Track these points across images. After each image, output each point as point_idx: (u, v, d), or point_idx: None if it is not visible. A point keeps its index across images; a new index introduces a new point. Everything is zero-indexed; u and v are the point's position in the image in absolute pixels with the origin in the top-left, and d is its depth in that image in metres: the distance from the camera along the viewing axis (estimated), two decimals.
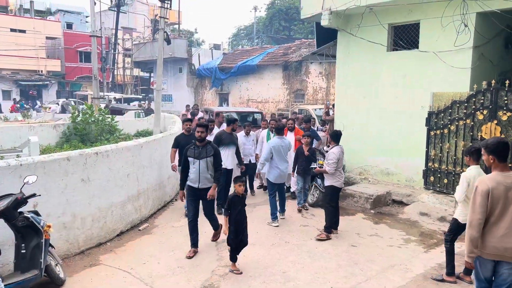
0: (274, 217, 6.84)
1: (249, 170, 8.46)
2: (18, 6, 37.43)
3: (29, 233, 4.26)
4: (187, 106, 15.83)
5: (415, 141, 8.21)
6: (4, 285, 3.95)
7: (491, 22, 7.22)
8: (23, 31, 33.15)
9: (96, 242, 5.77)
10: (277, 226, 6.74)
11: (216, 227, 5.88)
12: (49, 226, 4.39)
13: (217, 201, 7.45)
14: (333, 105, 10.72)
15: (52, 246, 4.66)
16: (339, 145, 6.43)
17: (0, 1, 35.70)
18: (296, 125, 9.00)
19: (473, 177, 4.66)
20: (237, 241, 4.99)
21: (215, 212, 6.57)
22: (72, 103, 24.56)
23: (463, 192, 4.66)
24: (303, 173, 7.64)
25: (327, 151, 7.54)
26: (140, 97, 29.26)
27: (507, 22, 7.42)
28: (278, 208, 7.04)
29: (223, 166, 7.33)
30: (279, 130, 7.14)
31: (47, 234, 4.34)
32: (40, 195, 4.54)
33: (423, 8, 7.88)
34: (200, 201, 5.63)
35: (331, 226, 6.38)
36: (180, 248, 5.79)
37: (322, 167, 6.61)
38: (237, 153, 7.73)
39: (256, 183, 9.37)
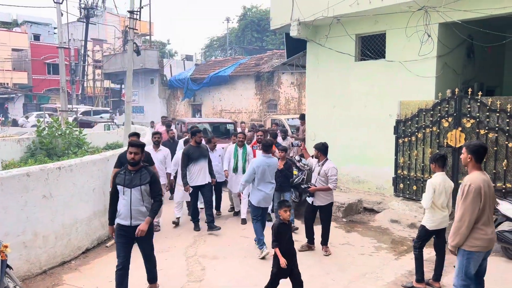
0: (261, 244, 5.91)
1: (216, 189, 7.91)
2: None
3: None
4: (163, 117, 14.49)
5: (384, 149, 8.33)
6: None
7: (453, 32, 7.46)
8: None
9: (60, 260, 5.52)
10: (268, 253, 5.71)
11: (154, 279, 4.71)
12: (5, 246, 4.14)
13: (192, 218, 7.26)
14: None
15: (10, 267, 4.40)
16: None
17: None
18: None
19: (438, 184, 4.73)
20: (287, 273, 4.33)
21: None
22: (47, 116, 23.75)
23: (430, 199, 4.71)
24: (280, 190, 6.88)
25: (303, 163, 7.45)
26: (108, 109, 28.68)
27: (469, 32, 7.69)
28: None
29: (194, 184, 7.05)
30: (267, 148, 6.15)
31: (3, 255, 4.09)
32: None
33: (388, 18, 8.07)
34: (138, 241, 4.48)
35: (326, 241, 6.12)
36: None
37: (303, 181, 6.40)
38: (209, 165, 7.29)
39: (239, 202, 8.14)
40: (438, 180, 4.74)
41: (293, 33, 9.21)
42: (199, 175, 7.04)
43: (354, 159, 9.05)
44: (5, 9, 40.81)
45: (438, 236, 4.92)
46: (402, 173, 7.97)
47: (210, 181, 7.24)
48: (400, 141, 8.00)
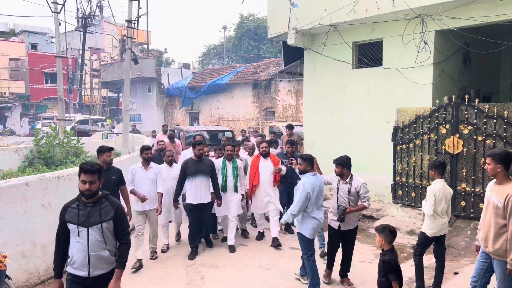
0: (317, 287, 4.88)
1: (204, 213, 6.52)
2: None
3: None
4: (164, 126, 13.09)
5: (382, 156, 8.35)
6: None
7: (449, 39, 7.53)
8: None
9: None
10: None
11: None
12: (4, 256, 4.12)
13: (190, 243, 6.38)
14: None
15: (9, 277, 4.38)
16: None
17: None
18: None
19: (438, 190, 4.74)
20: None
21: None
22: (53, 124, 23.71)
23: (431, 206, 4.72)
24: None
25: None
26: (103, 117, 28.67)
27: (465, 39, 7.77)
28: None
29: (190, 201, 6.24)
30: (311, 162, 4.98)
31: (2, 265, 4.07)
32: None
33: (385, 26, 8.14)
34: None
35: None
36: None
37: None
38: (214, 183, 6.42)
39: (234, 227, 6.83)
40: (438, 187, 4.76)
41: (290, 41, 9.27)
42: (197, 192, 6.27)
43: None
44: (3, 19, 40.88)
45: (438, 243, 4.93)
46: (400, 180, 7.98)
47: (210, 201, 6.46)
48: (398, 148, 8.03)
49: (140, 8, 14.85)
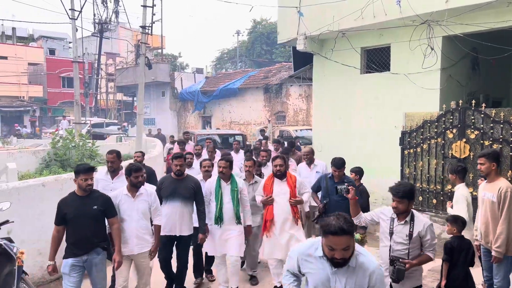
0: None
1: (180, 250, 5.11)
2: (0, 33, 37.36)
3: (1, 260, 4.22)
4: (186, 133, 11.57)
5: (390, 160, 8.42)
6: None
7: (457, 45, 7.60)
8: (5, 58, 33.05)
9: None
10: None
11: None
12: (22, 253, 4.35)
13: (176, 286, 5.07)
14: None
15: (26, 273, 4.61)
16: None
17: None
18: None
19: (467, 195, 4.72)
20: None
21: None
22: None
23: (467, 211, 4.55)
24: None
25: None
26: (117, 121, 29.23)
27: (473, 44, 7.81)
28: None
29: (165, 232, 4.78)
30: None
31: (20, 261, 4.30)
32: (13, 222, 4.52)
33: (393, 32, 8.24)
34: None
35: None
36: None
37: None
38: (198, 209, 4.96)
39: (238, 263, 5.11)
40: (466, 191, 4.76)
41: (300, 47, 9.43)
42: (172, 220, 4.83)
43: None
44: (22, 25, 41.97)
45: None
46: None
47: (190, 233, 4.97)
48: (406, 152, 8.10)
49: (154, 14, 15.21)
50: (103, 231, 4.20)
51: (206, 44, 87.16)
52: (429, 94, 7.84)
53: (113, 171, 5.11)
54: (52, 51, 39.22)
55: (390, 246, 3.54)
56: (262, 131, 14.33)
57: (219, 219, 4.90)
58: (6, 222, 4.38)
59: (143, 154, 6.92)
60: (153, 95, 28.15)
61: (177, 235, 4.90)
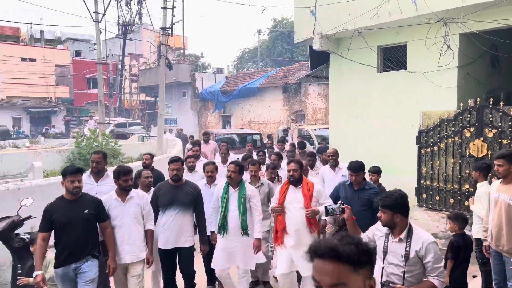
0: None
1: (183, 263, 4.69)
2: (29, 36, 38.70)
3: (25, 254, 4.47)
4: (206, 135, 10.84)
5: (407, 159, 8.36)
6: None
7: (475, 42, 7.48)
8: (33, 60, 34.25)
9: None
10: None
11: None
12: None
13: None
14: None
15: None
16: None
17: (12, 31, 37.01)
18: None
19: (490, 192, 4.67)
20: None
21: None
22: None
23: (487, 208, 4.48)
24: None
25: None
26: (139, 121, 29.83)
27: (492, 42, 7.67)
28: None
29: (163, 246, 4.50)
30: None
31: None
32: (35, 217, 4.77)
33: (409, 30, 8.17)
34: None
35: None
36: None
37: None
38: (198, 218, 4.64)
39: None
40: (488, 189, 4.65)
41: (316, 46, 9.46)
42: (171, 232, 4.46)
43: None
44: (50, 28, 43.31)
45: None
46: (424, 183, 7.97)
47: (191, 245, 4.62)
48: (423, 151, 8.02)
49: (174, 16, 15.51)
50: (95, 237, 3.95)
51: (228, 44, 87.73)
52: (446, 93, 7.74)
53: (97, 173, 4.77)
54: (78, 53, 40.39)
55: (383, 268, 2.95)
56: (285, 131, 14.28)
57: (222, 228, 4.49)
58: (29, 217, 4.64)
59: (152, 156, 6.60)
60: (175, 95, 28.60)
61: (176, 247, 4.49)
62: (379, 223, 3.11)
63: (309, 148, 10.93)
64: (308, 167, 6.55)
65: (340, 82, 9.88)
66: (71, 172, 3.81)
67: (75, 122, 33.50)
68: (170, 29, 14.19)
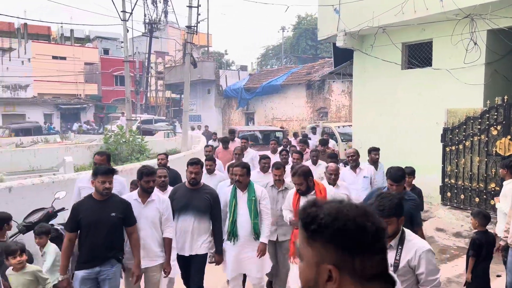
0: None
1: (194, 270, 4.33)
2: (60, 35, 39.92)
3: (59, 243, 4.72)
4: (232, 133, 10.09)
5: (431, 157, 8.27)
6: None
7: (503, 39, 7.32)
8: (64, 58, 35.34)
9: None
10: None
11: None
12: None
13: None
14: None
15: None
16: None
17: (43, 30, 38.29)
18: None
19: None
20: None
21: None
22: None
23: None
24: None
25: None
26: (164, 118, 30.36)
27: None
28: None
29: (179, 251, 4.24)
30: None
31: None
32: (68, 209, 5.03)
33: (435, 26, 8.07)
34: None
35: None
36: None
37: None
38: (214, 225, 4.32)
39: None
40: None
41: (339, 43, 9.45)
42: (185, 238, 4.22)
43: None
44: (79, 26, 44.51)
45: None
46: (449, 182, 7.88)
47: (205, 252, 4.30)
48: (448, 149, 7.92)
49: (199, 14, 15.73)
50: (120, 240, 3.78)
51: (252, 41, 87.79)
52: (473, 90, 7.62)
53: None
54: (106, 51, 41.36)
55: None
56: (313, 129, 14.03)
57: (232, 235, 4.19)
58: (62, 209, 4.89)
59: (167, 156, 6.50)
60: (199, 92, 28.97)
61: (188, 254, 4.22)
62: None
63: (333, 145, 10.89)
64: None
65: (364, 79, 9.84)
66: (103, 173, 3.66)
67: (107, 118, 34.46)
68: (195, 27, 14.41)
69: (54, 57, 34.63)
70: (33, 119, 29.66)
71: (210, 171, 5.73)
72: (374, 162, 6.37)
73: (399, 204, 2.59)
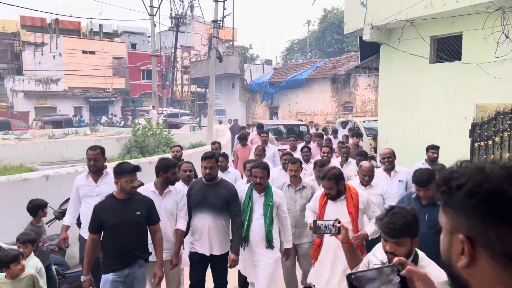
0: None
1: (215, 271, 4.17)
2: (89, 30, 40.95)
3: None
4: (260, 128, 9.49)
5: (459, 153, 8.08)
6: (71, 272, 4.68)
7: None
8: (93, 53, 36.30)
9: None
10: None
11: None
12: None
13: None
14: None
15: None
16: None
17: (74, 25, 39.37)
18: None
19: None
20: None
21: None
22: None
23: None
24: None
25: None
26: (188, 111, 30.76)
27: None
28: None
29: (197, 249, 4.04)
30: None
31: None
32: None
33: (465, 20, 7.90)
34: None
35: None
36: None
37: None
38: (234, 222, 4.01)
39: None
40: None
41: (366, 37, 9.37)
42: (203, 236, 3.98)
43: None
44: (108, 22, 45.58)
45: None
46: None
47: (225, 252, 4.06)
48: (476, 145, 7.77)
49: (225, 8, 15.87)
50: (146, 240, 3.65)
51: (277, 35, 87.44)
52: (504, 84, 7.43)
53: (96, 172, 4.20)
54: (133, 45, 42.19)
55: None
56: (343, 123, 13.72)
57: (244, 240, 3.95)
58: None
59: (181, 148, 6.45)
60: (224, 86, 29.21)
61: (208, 254, 3.99)
62: (378, 247, 2.51)
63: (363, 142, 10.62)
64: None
65: (390, 73, 9.73)
66: (130, 171, 3.48)
67: (135, 112, 35.23)
68: (221, 22, 14.56)
69: (84, 52, 35.64)
70: (63, 112, 30.66)
71: (223, 168, 5.40)
72: (432, 161, 5.79)
73: (414, 222, 2.20)
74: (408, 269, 1.09)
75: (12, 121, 23.80)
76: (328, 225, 2.47)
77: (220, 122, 21.06)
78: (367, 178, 4.47)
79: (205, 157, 4.00)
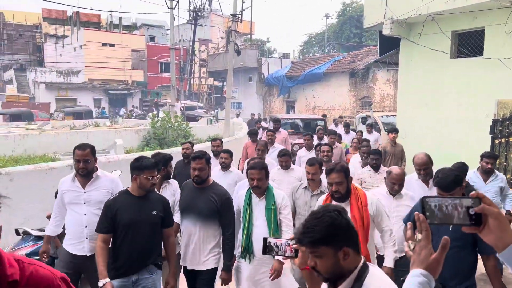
0: None
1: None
2: (109, 22, 41.45)
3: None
4: (276, 122, 8.60)
5: (479, 150, 7.99)
6: None
7: None
8: (112, 45, 36.77)
9: None
10: None
11: None
12: None
13: None
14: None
15: None
16: None
17: (94, 17, 39.92)
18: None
19: None
20: None
21: None
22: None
23: None
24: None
25: None
26: (202, 104, 30.96)
27: None
28: None
29: (183, 262, 3.58)
30: None
31: None
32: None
33: (488, 14, 7.77)
34: None
35: None
36: None
37: None
38: (224, 233, 3.51)
39: None
40: None
41: (386, 31, 9.30)
42: (188, 246, 3.53)
43: (446, 159, 8.79)
44: (127, 14, 45.96)
45: None
46: None
47: (213, 267, 3.53)
48: (497, 141, 7.68)
49: (244, 2, 15.88)
50: (160, 243, 3.26)
51: (295, 29, 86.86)
52: None
53: (85, 175, 3.41)
54: (152, 38, 42.54)
55: None
56: (363, 119, 13.46)
57: (246, 251, 3.41)
58: None
59: (192, 145, 6.06)
60: (241, 80, 29.28)
61: (190, 268, 3.54)
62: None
63: (375, 137, 10.13)
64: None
65: (410, 68, 9.65)
66: (150, 167, 3.13)
67: (148, 103, 35.61)
68: (240, 16, 14.59)
69: (104, 44, 36.12)
70: (83, 103, 31.23)
71: (225, 166, 4.90)
72: (486, 173, 4.87)
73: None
74: (483, 207, 1.16)
75: (35, 112, 24.37)
76: (281, 244, 1.87)
77: (238, 115, 21.14)
78: (396, 186, 3.75)
79: (194, 158, 3.53)
